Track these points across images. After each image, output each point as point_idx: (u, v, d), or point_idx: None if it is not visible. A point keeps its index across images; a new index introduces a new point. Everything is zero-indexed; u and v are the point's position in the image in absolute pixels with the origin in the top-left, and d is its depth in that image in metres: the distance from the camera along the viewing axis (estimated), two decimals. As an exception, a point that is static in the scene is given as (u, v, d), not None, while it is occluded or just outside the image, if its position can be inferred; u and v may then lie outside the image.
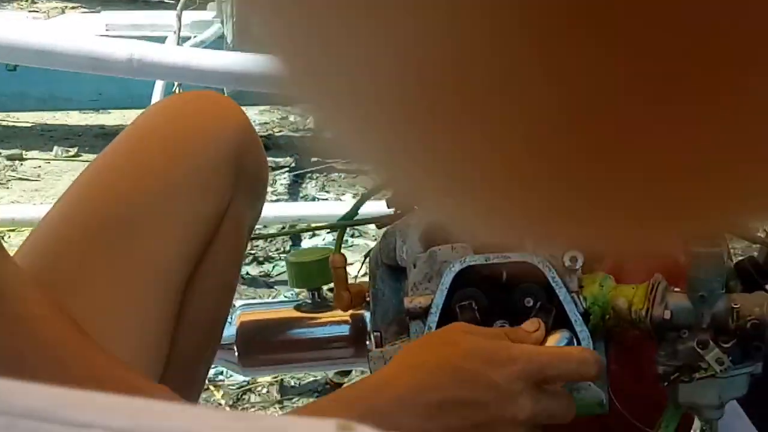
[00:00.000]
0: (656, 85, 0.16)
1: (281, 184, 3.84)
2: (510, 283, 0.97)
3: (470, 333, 0.84)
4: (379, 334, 1.06)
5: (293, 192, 3.73)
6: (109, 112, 4.19)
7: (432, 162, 0.19)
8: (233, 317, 1.22)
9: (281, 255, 3.33)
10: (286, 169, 3.87)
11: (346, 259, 1.17)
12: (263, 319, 1.21)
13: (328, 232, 1.92)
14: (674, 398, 0.96)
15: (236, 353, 1.20)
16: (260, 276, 3.05)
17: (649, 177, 0.18)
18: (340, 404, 0.76)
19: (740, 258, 1.11)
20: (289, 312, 1.22)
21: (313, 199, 3.63)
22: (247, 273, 3.13)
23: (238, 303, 1.21)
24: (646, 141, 0.17)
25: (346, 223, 1.16)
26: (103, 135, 4.62)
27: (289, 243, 3.18)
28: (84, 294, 0.91)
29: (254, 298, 2.25)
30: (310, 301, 1.24)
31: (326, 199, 3.44)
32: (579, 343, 0.94)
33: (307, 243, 2.61)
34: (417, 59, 0.17)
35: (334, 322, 1.21)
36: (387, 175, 0.22)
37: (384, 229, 1.07)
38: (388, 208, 1.18)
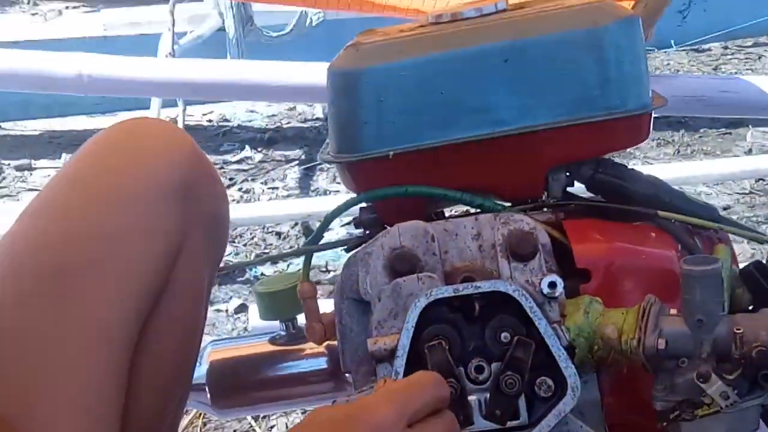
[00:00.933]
0: None
1: (292, 179, 3.76)
2: (484, 317, 0.87)
3: (325, 409, 0.74)
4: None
5: (304, 186, 3.65)
6: (116, 114, 4.13)
7: None
8: (203, 355, 1.12)
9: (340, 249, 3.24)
10: (296, 162, 3.79)
11: (315, 288, 1.08)
12: (234, 356, 1.12)
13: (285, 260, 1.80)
14: (676, 436, 0.85)
15: (208, 395, 1.10)
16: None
17: None
18: None
19: (746, 264, 0.99)
20: (262, 346, 1.13)
21: (325, 192, 3.55)
22: (262, 273, 3.06)
23: (207, 339, 1.11)
24: None
25: (311, 249, 1.06)
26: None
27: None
28: (16, 358, 0.82)
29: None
30: (284, 333, 1.14)
31: (338, 192, 3.35)
32: (565, 382, 0.84)
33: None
34: None
35: (311, 356, 1.11)
36: None
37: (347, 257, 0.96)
38: (356, 228, 1.08)
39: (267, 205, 3.42)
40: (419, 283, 0.90)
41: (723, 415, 0.81)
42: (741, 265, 1.02)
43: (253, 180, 3.70)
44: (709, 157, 3.37)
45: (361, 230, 1.08)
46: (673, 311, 0.87)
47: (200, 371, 1.11)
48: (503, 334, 0.85)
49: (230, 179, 3.77)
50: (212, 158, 3.91)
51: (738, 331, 0.81)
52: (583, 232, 0.97)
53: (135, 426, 0.87)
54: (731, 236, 1.06)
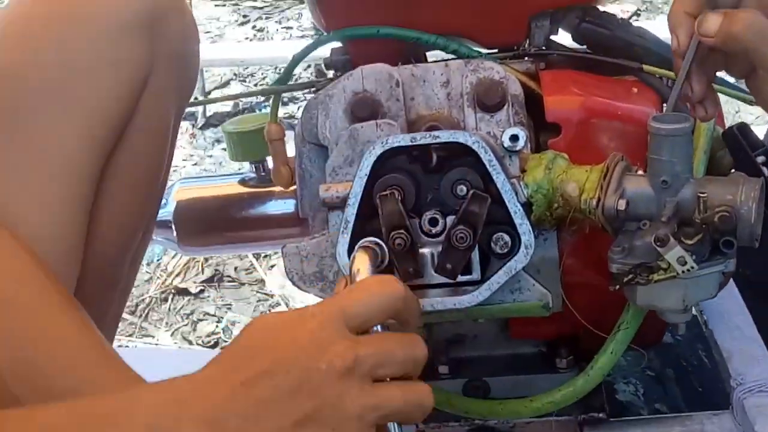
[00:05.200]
0: None
1: (307, 18, 3.66)
2: (440, 168, 0.83)
3: (266, 315, 0.69)
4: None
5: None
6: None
7: None
8: (171, 192, 1.11)
9: (305, 95, 3.19)
10: (311, 1, 3.68)
11: (283, 130, 1.04)
12: (202, 196, 1.10)
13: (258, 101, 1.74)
14: (633, 300, 0.82)
15: (174, 232, 1.09)
16: (285, 119, 2.94)
17: None
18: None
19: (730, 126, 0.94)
20: (231, 187, 1.11)
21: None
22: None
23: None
24: None
25: (279, 89, 1.02)
26: None
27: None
28: None
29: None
30: (254, 175, 1.11)
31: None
32: (519, 239, 0.81)
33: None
34: None
35: (278, 199, 1.09)
36: None
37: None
38: (326, 69, 1.03)
39: (280, 44, 3.35)
40: (377, 130, 0.86)
41: (679, 280, 0.78)
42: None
43: (267, 18, 3.61)
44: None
45: (332, 72, 1.04)
46: (641, 172, 0.83)
47: (167, 209, 1.09)
48: (459, 187, 0.82)
49: (244, 16, 3.68)
50: (226, -6, 3.82)
51: (702, 195, 0.77)
52: (558, 83, 0.92)
53: (97, 258, 0.87)
54: (720, 96, 1.00)
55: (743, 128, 0.94)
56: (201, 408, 0.62)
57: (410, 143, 0.82)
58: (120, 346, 2.43)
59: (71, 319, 0.72)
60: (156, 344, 2.41)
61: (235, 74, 3.36)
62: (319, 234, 0.87)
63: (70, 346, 0.70)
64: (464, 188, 0.82)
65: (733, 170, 0.97)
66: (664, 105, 0.95)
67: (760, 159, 0.93)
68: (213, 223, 1.10)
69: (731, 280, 1.16)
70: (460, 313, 0.83)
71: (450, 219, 0.82)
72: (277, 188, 1.10)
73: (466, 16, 0.97)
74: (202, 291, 2.62)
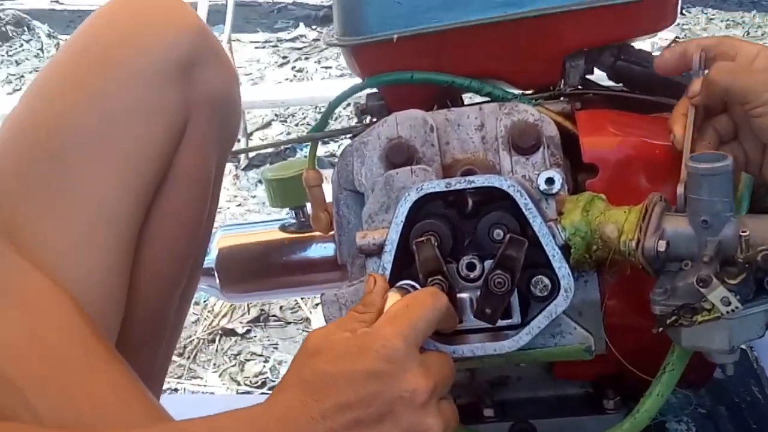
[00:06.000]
0: None
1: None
2: (476, 213, 0.83)
3: (328, 336, 0.71)
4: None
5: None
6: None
7: None
8: (213, 240, 1.12)
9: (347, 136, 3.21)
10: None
11: (321, 176, 1.05)
12: (244, 243, 1.11)
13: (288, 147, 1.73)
14: (677, 341, 0.81)
15: (217, 280, 1.10)
16: (325, 157, 2.96)
17: None
18: None
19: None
20: (271, 233, 1.11)
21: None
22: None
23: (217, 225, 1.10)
24: None
25: (315, 136, 1.02)
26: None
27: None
28: (22, 240, 0.81)
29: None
30: (294, 221, 1.12)
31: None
32: (558, 282, 0.80)
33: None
34: None
35: (318, 243, 1.09)
36: None
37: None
38: (362, 114, 1.04)
39: (320, 84, 3.38)
40: (412, 176, 0.86)
41: (724, 321, 0.77)
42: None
43: (306, 59, 3.65)
44: (781, 37, 3.20)
45: (367, 118, 1.04)
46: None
47: (210, 256, 1.10)
48: (496, 231, 0.81)
49: (284, 57, 3.72)
50: (265, 36, 3.87)
51: (744, 234, 0.75)
52: (594, 123, 0.92)
53: (140, 306, 0.87)
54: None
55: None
56: None
57: (445, 189, 0.82)
58: (169, 388, 2.45)
59: (118, 374, 0.73)
60: (204, 385, 2.42)
61: (276, 115, 3.40)
62: (358, 281, 0.87)
63: (117, 403, 0.71)
64: (501, 232, 0.81)
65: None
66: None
67: (804, 193, 0.91)
68: (255, 270, 1.11)
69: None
70: (501, 359, 0.83)
71: (488, 263, 0.82)
72: (317, 234, 1.11)
73: (499, 58, 0.96)
74: (248, 331, 2.63)
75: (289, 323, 2.59)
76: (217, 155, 0.93)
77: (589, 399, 1.02)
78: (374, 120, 1.03)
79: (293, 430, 0.65)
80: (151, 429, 0.68)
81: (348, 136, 1.04)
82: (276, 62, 3.76)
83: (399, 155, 0.88)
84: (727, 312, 0.76)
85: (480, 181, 0.82)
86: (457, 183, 0.82)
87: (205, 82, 0.89)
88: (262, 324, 2.57)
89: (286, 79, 3.60)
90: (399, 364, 0.67)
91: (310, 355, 0.69)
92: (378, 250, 0.83)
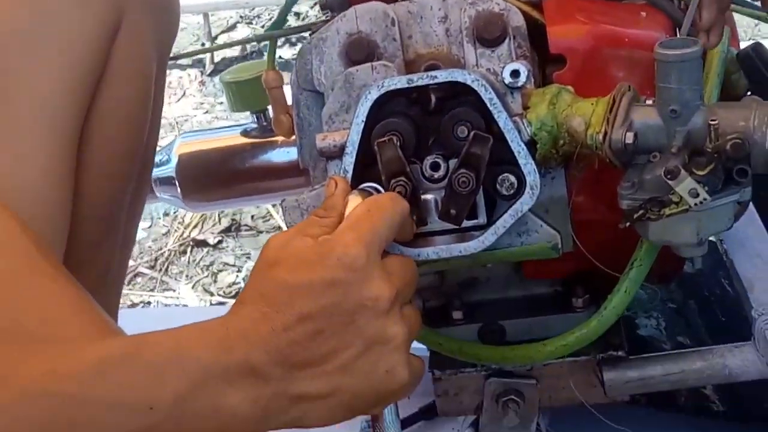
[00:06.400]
0: None
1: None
2: (440, 109, 0.80)
3: (288, 242, 0.68)
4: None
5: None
6: None
7: None
8: (172, 148, 1.08)
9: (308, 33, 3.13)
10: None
11: (282, 77, 1.01)
12: (204, 149, 1.07)
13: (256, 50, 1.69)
14: (645, 236, 0.79)
15: (178, 188, 1.07)
16: (292, 59, 2.90)
17: None
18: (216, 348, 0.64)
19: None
20: (233, 139, 1.08)
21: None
22: (280, 57, 2.98)
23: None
24: None
25: (274, 34, 0.98)
26: None
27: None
28: None
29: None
30: (256, 125, 1.09)
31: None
32: (524, 180, 0.78)
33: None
34: None
35: (281, 147, 1.06)
36: None
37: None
38: (323, 10, 1.00)
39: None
40: (373, 73, 0.82)
41: (692, 213, 0.75)
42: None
43: (272, -41, 3.55)
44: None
45: (328, 13, 1.00)
46: (650, 102, 0.79)
47: (170, 165, 1.06)
48: (460, 128, 0.79)
49: (248, -41, 3.61)
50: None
51: (713, 122, 0.73)
52: (562, 12, 0.88)
53: (87, 213, 0.84)
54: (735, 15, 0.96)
55: (758, 48, 0.90)
56: (243, 354, 0.63)
57: (407, 85, 0.79)
58: (142, 301, 2.44)
59: (66, 289, 0.71)
60: (177, 297, 2.42)
61: (241, 17, 3.31)
62: (319, 186, 0.84)
63: (65, 319, 0.68)
64: (465, 129, 0.78)
65: (749, 93, 0.93)
66: (676, 29, 0.91)
67: (777, 80, 0.89)
68: (216, 177, 1.08)
69: (751, 204, 1.13)
70: (467, 260, 0.81)
71: (453, 163, 0.79)
72: (280, 138, 1.08)
73: (462, -54, 0.92)
74: (220, 242, 2.61)
75: (261, 232, 2.57)
76: (156, 51, 0.89)
77: (558, 298, 1.01)
78: (335, 15, 0.98)
79: (255, 342, 0.63)
80: (109, 342, 0.66)
81: (309, 33, 1.00)
82: (240, -36, 3.65)
83: (359, 51, 0.84)
84: (695, 204, 0.74)
85: (443, 75, 0.78)
86: (420, 79, 0.79)
87: None
88: (234, 234, 2.55)
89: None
90: (360, 272, 0.65)
91: (269, 264, 0.67)
92: (339, 152, 0.81)
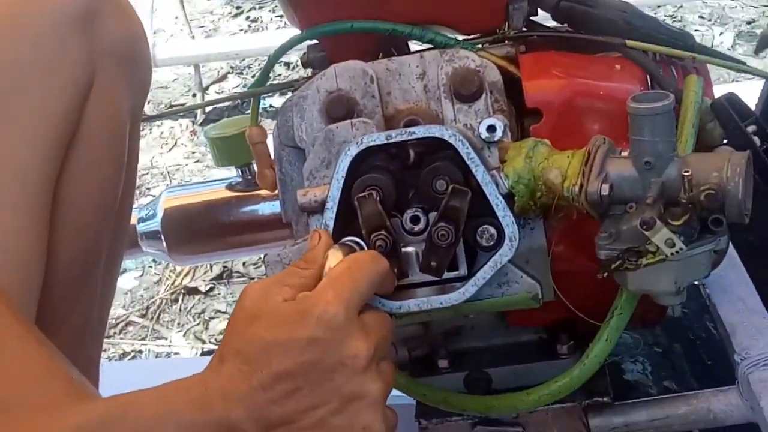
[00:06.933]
0: None
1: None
2: (419, 164, 0.81)
3: (267, 293, 0.69)
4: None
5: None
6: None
7: None
8: (158, 202, 1.09)
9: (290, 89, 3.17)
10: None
11: (265, 132, 1.02)
12: (189, 203, 1.09)
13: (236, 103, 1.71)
14: (624, 285, 0.80)
15: (164, 243, 1.08)
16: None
17: None
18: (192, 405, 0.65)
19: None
20: (218, 192, 1.09)
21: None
22: (271, 105, 3.01)
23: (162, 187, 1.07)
24: None
25: (256, 91, 1.00)
26: None
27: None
28: None
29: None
30: (240, 179, 1.10)
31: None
32: (503, 232, 0.79)
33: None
34: None
35: (265, 201, 1.07)
36: None
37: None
38: (305, 67, 1.01)
39: (275, 34, 3.32)
40: (353, 130, 0.84)
41: (669, 263, 0.76)
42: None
43: (260, 8, 3.58)
44: (737, -32, 3.18)
45: (309, 70, 1.02)
46: (626, 153, 0.80)
47: (155, 219, 1.07)
48: (439, 182, 0.80)
49: (237, 8, 3.65)
50: (218, -15, 3.79)
51: (686, 174, 0.75)
52: (537, 66, 0.90)
53: (62, 271, 0.85)
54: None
55: (732, 98, 0.91)
56: (223, 412, 0.64)
57: (386, 141, 0.80)
58: (133, 350, 2.43)
59: (36, 351, 0.71)
60: (169, 346, 2.41)
61: (232, 67, 3.34)
62: (301, 240, 0.85)
63: (34, 382, 0.69)
64: (444, 183, 0.80)
65: (725, 141, 0.95)
66: (650, 81, 0.93)
67: (751, 128, 0.91)
68: (202, 231, 1.09)
69: (733, 249, 1.14)
70: (449, 312, 0.82)
71: (433, 215, 0.80)
72: (265, 191, 1.09)
73: (441, 4, 0.94)
74: (212, 289, 2.61)
75: (253, 278, 2.57)
76: (128, 108, 0.91)
77: (543, 345, 1.02)
78: (316, 72, 1.00)
79: (234, 401, 0.64)
80: (85, 408, 0.66)
81: (291, 89, 1.01)
82: (230, 13, 3.70)
83: (339, 108, 0.86)
84: (672, 254, 0.75)
85: (421, 131, 0.80)
86: (398, 135, 0.80)
87: (109, 33, 0.86)
88: (226, 281, 2.55)
89: (241, 30, 3.54)
90: (339, 331, 0.66)
91: (248, 318, 0.68)
92: (320, 208, 0.82)
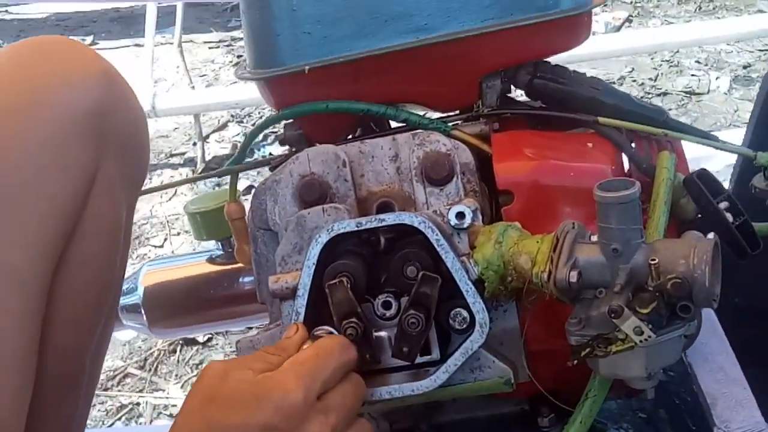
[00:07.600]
0: None
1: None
2: (391, 249, 0.81)
3: (227, 374, 0.69)
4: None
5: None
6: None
7: None
8: (138, 277, 1.10)
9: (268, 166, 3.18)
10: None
11: (243, 208, 1.03)
12: (170, 278, 1.09)
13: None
14: (596, 370, 0.80)
15: (144, 318, 1.08)
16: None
17: None
18: None
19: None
20: (198, 267, 1.10)
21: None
22: (270, 153, 3.02)
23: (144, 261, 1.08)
24: None
25: (235, 169, 1.01)
26: (119, 19, 4.48)
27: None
28: None
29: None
30: (221, 252, 1.10)
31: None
32: (472, 317, 0.79)
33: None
34: None
35: (246, 275, 1.08)
36: None
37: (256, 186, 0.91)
38: (281, 145, 1.02)
39: (274, 82, 3.35)
40: (324, 215, 0.85)
41: (639, 349, 0.76)
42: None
43: (260, 56, 3.62)
44: (731, 13, 3.20)
45: (286, 148, 1.02)
46: (595, 237, 0.81)
47: (136, 294, 1.08)
48: (410, 269, 0.80)
49: (238, 57, 3.69)
50: (219, 35, 3.83)
51: (653, 262, 0.75)
52: (509, 147, 0.91)
53: (53, 366, 0.85)
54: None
55: (703, 174, 0.92)
56: None
57: (356, 228, 0.81)
58: (131, 402, 2.43)
59: None
60: (167, 398, 2.41)
61: (232, 116, 3.37)
62: (274, 325, 0.86)
63: None
64: (414, 269, 0.80)
65: (699, 215, 0.95)
66: (623, 158, 0.93)
67: (723, 205, 0.91)
68: (182, 305, 1.09)
69: (714, 316, 1.14)
70: (421, 398, 0.82)
71: (405, 300, 0.81)
72: (245, 266, 1.09)
73: (415, 83, 0.95)
74: (209, 339, 2.61)
75: (251, 329, 2.58)
76: (126, 198, 0.90)
77: (524, 417, 1.02)
78: (293, 150, 1.01)
79: None
80: None
81: (267, 167, 1.02)
82: (230, 62, 3.73)
83: (312, 193, 0.87)
84: (641, 341, 0.75)
85: (391, 219, 0.80)
86: (368, 222, 0.81)
87: (116, 128, 0.85)
88: (223, 331, 2.55)
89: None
90: (296, 419, 0.66)
91: (205, 398, 0.68)
92: (291, 294, 0.82)
